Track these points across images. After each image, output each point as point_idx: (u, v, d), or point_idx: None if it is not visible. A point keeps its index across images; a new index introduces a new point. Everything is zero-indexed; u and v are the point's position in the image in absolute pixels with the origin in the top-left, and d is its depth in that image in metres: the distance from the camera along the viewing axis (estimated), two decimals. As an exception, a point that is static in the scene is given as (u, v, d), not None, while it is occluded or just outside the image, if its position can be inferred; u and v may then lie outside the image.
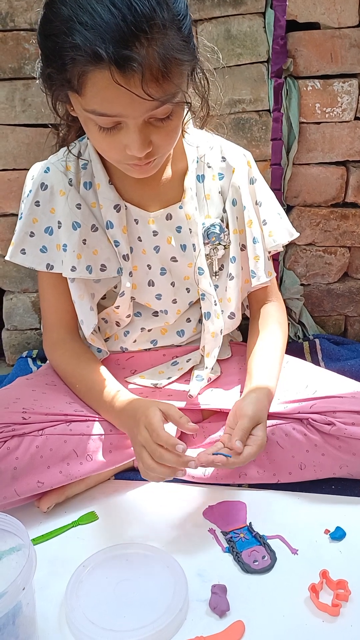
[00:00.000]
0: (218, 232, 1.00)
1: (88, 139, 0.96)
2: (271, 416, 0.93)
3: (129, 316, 1.05)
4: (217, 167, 1.01)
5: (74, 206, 0.96)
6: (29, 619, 0.66)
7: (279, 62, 1.21)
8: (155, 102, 0.75)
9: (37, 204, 0.98)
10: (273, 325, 1.06)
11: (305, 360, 1.27)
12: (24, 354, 1.41)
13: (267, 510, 0.91)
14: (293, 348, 1.29)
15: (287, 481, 0.94)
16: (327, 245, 1.39)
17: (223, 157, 1.02)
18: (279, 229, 1.05)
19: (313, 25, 1.23)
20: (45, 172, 0.98)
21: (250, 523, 0.87)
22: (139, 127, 0.78)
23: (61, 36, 0.73)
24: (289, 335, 1.19)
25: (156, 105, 0.76)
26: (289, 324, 1.19)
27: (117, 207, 0.97)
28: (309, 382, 1.00)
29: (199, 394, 1.02)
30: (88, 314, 1.00)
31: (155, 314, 1.07)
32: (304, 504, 0.92)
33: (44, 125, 1.27)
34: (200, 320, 1.10)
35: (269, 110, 1.26)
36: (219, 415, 1.03)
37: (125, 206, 0.98)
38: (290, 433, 0.93)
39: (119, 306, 1.02)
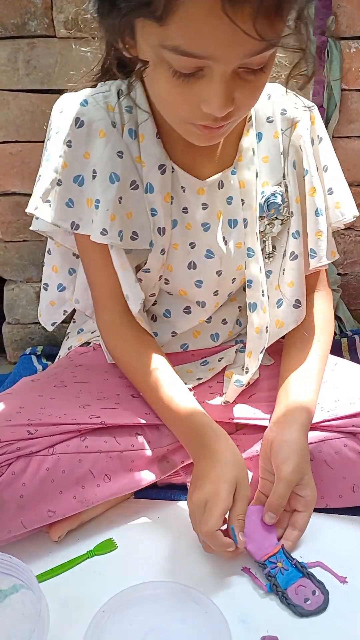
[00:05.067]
0: (279, 202, 0.86)
1: (138, 87, 0.81)
2: (318, 428, 0.83)
3: (153, 295, 0.93)
4: (279, 122, 0.88)
5: (115, 153, 0.81)
6: None
7: (323, 17, 1.10)
8: (259, 45, 0.61)
9: (69, 144, 0.81)
10: (318, 324, 0.93)
11: (344, 359, 1.14)
12: (28, 350, 1.36)
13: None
14: (330, 345, 1.20)
15: (338, 506, 0.84)
16: (368, 230, 1.32)
17: (283, 110, 0.88)
18: (348, 200, 0.92)
19: (359, -23, 1.15)
20: (83, 104, 0.81)
21: (283, 545, 0.77)
22: (227, 77, 0.64)
23: None
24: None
25: (258, 50, 0.62)
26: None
27: (162, 168, 0.83)
28: None
29: (234, 402, 0.91)
30: (133, 287, 0.87)
31: (188, 310, 0.95)
32: (349, 527, 0.82)
33: (51, 91, 1.22)
34: (237, 322, 1.00)
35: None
36: (253, 427, 0.92)
37: (173, 168, 0.84)
38: (342, 451, 0.82)
39: (140, 280, 0.89)
